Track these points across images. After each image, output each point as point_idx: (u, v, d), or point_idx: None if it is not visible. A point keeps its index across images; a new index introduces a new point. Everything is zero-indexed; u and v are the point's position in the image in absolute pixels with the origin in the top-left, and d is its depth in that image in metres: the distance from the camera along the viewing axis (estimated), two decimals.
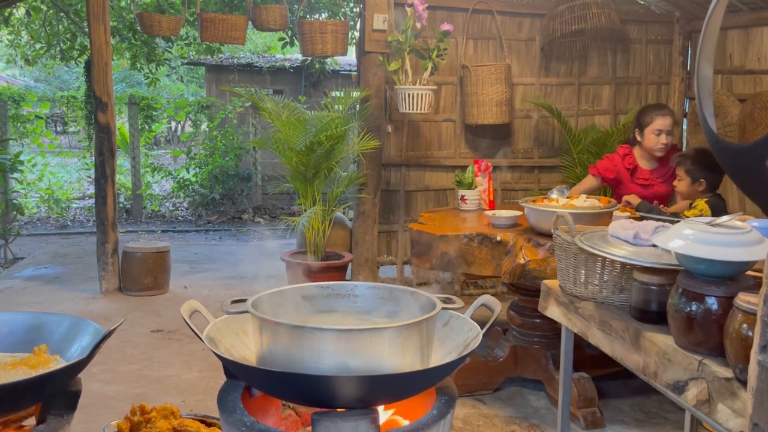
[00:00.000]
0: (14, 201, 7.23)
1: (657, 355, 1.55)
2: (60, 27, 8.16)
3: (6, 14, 7.79)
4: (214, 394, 1.54)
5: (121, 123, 9.64)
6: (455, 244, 3.10)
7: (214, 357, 1.46)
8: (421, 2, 4.36)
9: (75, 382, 1.60)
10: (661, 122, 3.73)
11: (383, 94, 4.79)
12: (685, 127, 5.30)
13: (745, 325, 1.26)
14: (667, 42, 5.24)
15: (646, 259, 1.67)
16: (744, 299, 1.28)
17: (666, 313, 1.53)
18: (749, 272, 1.51)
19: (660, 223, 1.79)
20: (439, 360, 1.56)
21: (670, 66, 5.27)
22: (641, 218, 2.97)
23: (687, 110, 5.26)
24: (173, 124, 14.90)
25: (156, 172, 9.28)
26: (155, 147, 12.76)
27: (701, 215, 3.06)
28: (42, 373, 1.44)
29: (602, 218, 2.84)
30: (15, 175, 7.32)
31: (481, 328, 1.57)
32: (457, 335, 1.63)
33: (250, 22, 4.91)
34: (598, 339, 1.83)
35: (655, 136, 3.73)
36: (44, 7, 7.94)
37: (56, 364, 1.58)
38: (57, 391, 1.52)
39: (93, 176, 5.80)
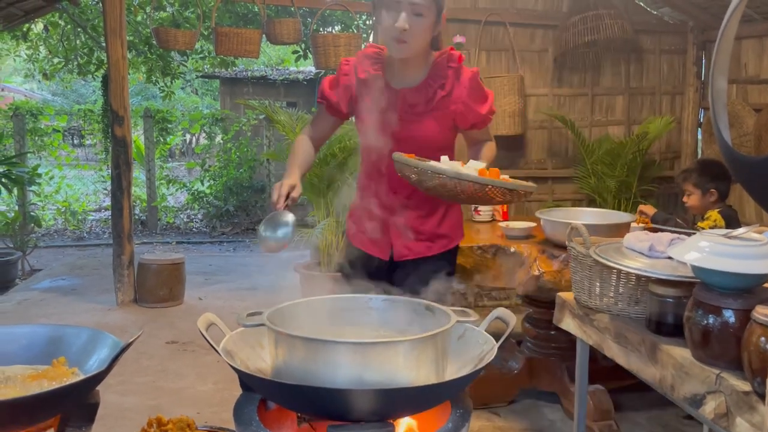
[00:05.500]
0: (32, 213, 7.32)
1: (674, 368, 1.54)
2: (77, 42, 8.29)
3: (24, 29, 7.91)
4: (228, 405, 1.55)
5: (137, 136, 9.73)
6: (469, 255, 3.10)
7: (228, 369, 1.46)
8: None
9: (93, 394, 1.61)
10: None
11: None
12: (699, 137, 5.27)
13: (762, 338, 1.25)
14: (680, 52, 5.22)
15: (661, 271, 1.66)
16: (761, 312, 1.27)
17: (682, 325, 1.52)
18: (767, 284, 1.50)
19: (676, 235, 1.78)
20: (455, 373, 1.55)
21: (684, 76, 5.25)
22: (655, 229, 2.96)
23: (702, 120, 5.23)
24: (188, 136, 15.02)
25: (171, 185, 9.36)
26: (170, 159, 12.86)
27: (715, 226, 3.04)
28: (61, 385, 1.45)
29: (618, 230, 2.83)
30: (33, 187, 7.41)
31: (496, 341, 1.57)
32: (472, 348, 1.63)
33: (264, 35, 4.95)
34: (613, 351, 1.82)
35: None
36: (62, 23, 8.07)
37: (75, 376, 1.59)
38: (76, 404, 1.53)
39: (109, 188, 5.85)
